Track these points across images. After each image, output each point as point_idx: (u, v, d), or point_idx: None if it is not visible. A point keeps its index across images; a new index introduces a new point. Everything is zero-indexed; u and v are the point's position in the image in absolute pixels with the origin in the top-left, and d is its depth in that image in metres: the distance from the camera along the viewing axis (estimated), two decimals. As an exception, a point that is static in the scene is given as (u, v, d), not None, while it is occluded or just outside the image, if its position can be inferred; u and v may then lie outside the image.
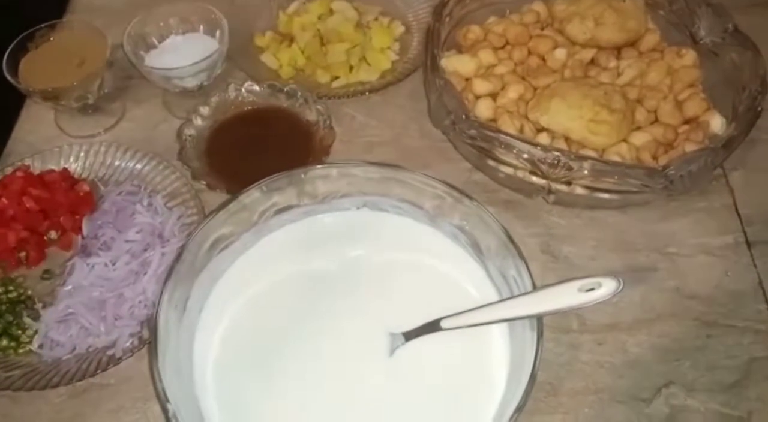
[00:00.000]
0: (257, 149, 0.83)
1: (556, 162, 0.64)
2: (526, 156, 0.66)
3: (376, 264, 0.70)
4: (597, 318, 0.74)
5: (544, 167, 0.65)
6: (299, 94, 0.85)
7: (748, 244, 0.79)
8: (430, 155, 0.88)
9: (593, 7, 0.81)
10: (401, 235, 0.72)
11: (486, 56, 0.80)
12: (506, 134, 0.67)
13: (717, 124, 0.76)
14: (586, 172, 0.65)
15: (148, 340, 0.68)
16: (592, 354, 0.72)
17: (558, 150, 0.66)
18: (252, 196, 0.68)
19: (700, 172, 0.66)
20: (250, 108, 0.86)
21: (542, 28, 0.84)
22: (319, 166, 0.71)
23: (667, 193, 0.68)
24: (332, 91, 0.92)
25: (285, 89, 0.86)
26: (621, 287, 0.57)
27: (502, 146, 0.67)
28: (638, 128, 0.76)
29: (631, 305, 0.75)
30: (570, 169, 0.65)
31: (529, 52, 0.81)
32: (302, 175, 0.70)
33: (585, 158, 0.65)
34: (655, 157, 0.72)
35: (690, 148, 0.72)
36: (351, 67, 0.95)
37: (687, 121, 0.77)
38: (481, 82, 0.77)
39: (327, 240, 0.72)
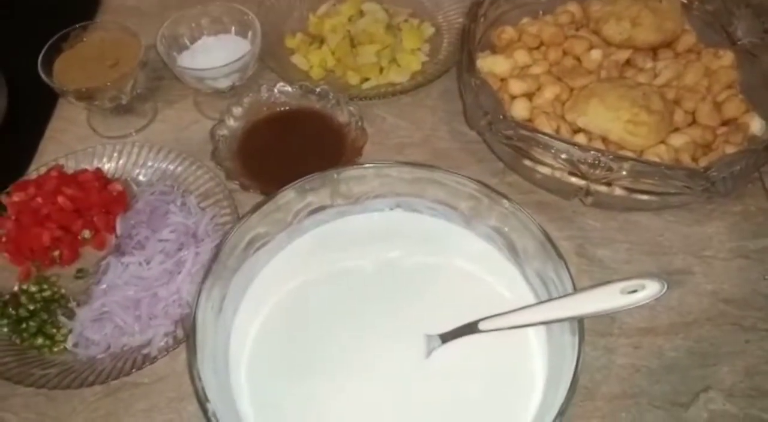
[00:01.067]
0: (290, 150, 0.83)
1: (596, 162, 0.63)
2: (564, 156, 0.66)
3: (410, 266, 0.70)
4: (633, 321, 0.73)
5: (583, 167, 0.64)
6: (331, 95, 0.85)
7: (786, 248, 0.77)
8: (461, 156, 0.87)
9: (629, 8, 0.80)
10: (435, 237, 0.71)
11: (521, 56, 0.79)
12: (545, 134, 0.66)
13: (756, 125, 0.74)
14: (625, 172, 0.64)
15: (183, 339, 0.68)
16: (628, 358, 0.71)
17: (598, 150, 0.65)
18: (286, 196, 0.68)
19: (742, 174, 0.65)
20: (282, 109, 0.86)
21: (577, 29, 0.84)
22: (352, 167, 0.71)
23: (708, 196, 0.67)
24: (363, 93, 0.92)
25: (317, 90, 0.86)
26: (665, 289, 0.56)
27: (541, 146, 0.67)
28: (676, 129, 0.75)
29: (667, 309, 0.74)
30: (610, 169, 0.64)
31: (564, 53, 0.81)
32: (335, 176, 0.70)
33: (625, 158, 0.64)
34: (694, 159, 0.71)
35: (729, 150, 0.71)
36: (381, 69, 0.95)
37: (725, 123, 0.76)
38: (516, 83, 0.76)
39: (361, 241, 0.71)
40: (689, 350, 0.71)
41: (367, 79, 0.94)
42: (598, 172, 0.64)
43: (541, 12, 0.87)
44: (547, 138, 0.65)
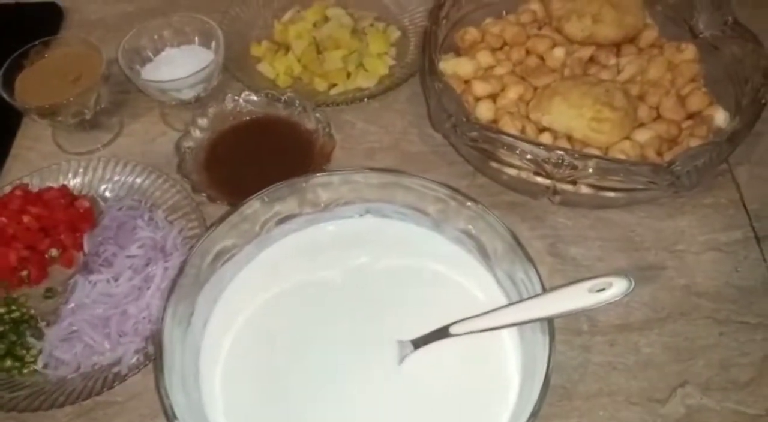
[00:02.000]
0: (257, 159, 0.82)
1: (560, 161, 0.63)
2: (529, 156, 0.66)
3: (381, 272, 0.69)
4: (608, 319, 0.73)
5: (548, 167, 0.64)
6: (297, 102, 0.85)
7: (757, 239, 0.78)
8: (431, 159, 0.87)
9: (590, 4, 0.81)
10: (405, 241, 0.71)
11: (484, 58, 0.79)
12: (508, 135, 0.66)
13: (721, 118, 0.75)
14: (590, 170, 0.64)
15: (154, 356, 0.67)
16: (604, 356, 0.71)
17: (562, 149, 0.65)
18: (253, 206, 0.67)
19: (706, 166, 0.65)
20: (248, 118, 0.86)
21: (539, 28, 0.84)
22: (319, 174, 0.70)
23: (674, 190, 0.67)
24: (330, 99, 0.91)
25: (283, 98, 0.85)
26: (632, 286, 0.56)
27: (505, 147, 0.67)
28: (641, 125, 0.75)
29: (641, 305, 0.74)
30: (574, 167, 0.64)
31: (528, 52, 0.81)
32: (303, 184, 0.69)
33: (589, 157, 0.64)
34: (659, 154, 0.72)
35: (695, 143, 0.71)
36: (348, 74, 0.94)
37: (690, 116, 0.76)
38: (480, 84, 0.76)
39: (331, 249, 0.71)
40: (665, 345, 0.71)
41: (334, 85, 0.94)
42: (562, 171, 0.64)
43: (504, 12, 0.87)
44: (510, 139, 0.65)
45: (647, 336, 0.72)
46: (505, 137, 0.66)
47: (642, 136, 0.73)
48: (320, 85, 0.94)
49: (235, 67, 0.94)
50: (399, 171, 0.69)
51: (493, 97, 0.77)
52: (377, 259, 0.70)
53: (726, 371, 0.69)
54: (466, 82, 0.78)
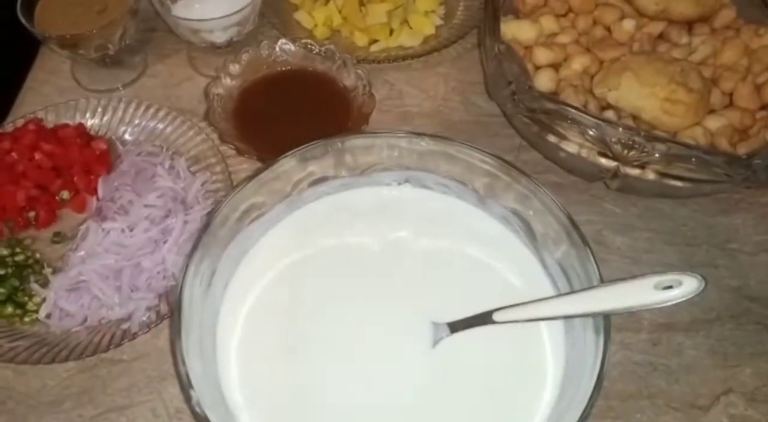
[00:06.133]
0: (290, 114, 0.76)
1: (629, 142, 0.58)
2: (593, 133, 0.59)
3: (418, 247, 0.64)
4: (652, 316, 0.68)
5: (616, 147, 0.59)
6: (337, 56, 0.79)
7: (818, 244, 0.72)
8: (473, 129, 0.81)
9: (667, -24, 0.74)
10: (447, 217, 0.65)
11: (548, 23, 0.73)
12: (575, 108, 0.60)
13: (800, 111, 0.69)
14: (658, 155, 0.58)
15: (166, 315, 0.62)
16: (645, 355, 0.66)
17: (631, 128, 0.59)
18: (286, 165, 0.62)
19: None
20: (283, 69, 0.80)
21: (609, -4, 0.77)
22: (359, 135, 0.64)
23: (746, 185, 0.61)
24: (371, 55, 0.85)
25: (322, 50, 0.79)
26: (704, 286, 0.51)
27: (568, 121, 0.61)
28: (712, 111, 0.69)
29: (688, 304, 0.66)
30: (644, 150, 0.58)
31: (594, 22, 0.74)
32: (340, 144, 0.64)
33: (663, 140, 0.58)
34: (731, 144, 0.65)
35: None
36: (391, 31, 0.88)
37: (765, 107, 0.70)
38: (543, 51, 0.70)
39: (366, 217, 0.65)
40: (710, 349, 0.66)
41: (375, 41, 0.88)
42: (631, 153, 0.58)
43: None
44: (578, 113, 0.59)
45: (693, 337, 0.67)
46: (570, 110, 0.60)
47: (714, 123, 0.67)
48: (360, 40, 0.87)
49: (272, 12, 0.88)
50: (446, 138, 0.63)
51: (555, 66, 0.70)
52: (416, 236, 0.64)
53: (775, 382, 0.64)
54: (527, 48, 0.72)
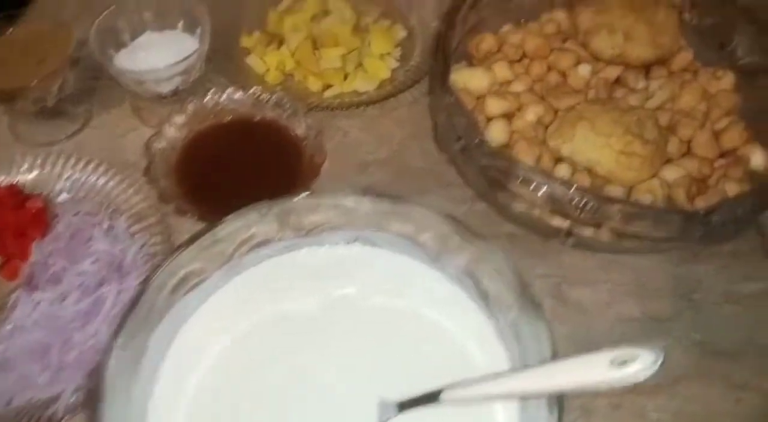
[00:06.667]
0: (237, 166, 0.73)
1: (582, 204, 0.55)
2: (546, 192, 0.57)
3: (365, 309, 0.60)
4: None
5: (569, 207, 0.56)
6: (288, 104, 0.76)
7: (783, 293, 0.70)
8: (428, 178, 0.78)
9: (623, 19, 0.72)
10: (397, 277, 0.62)
11: (501, 71, 0.70)
12: (527, 167, 0.57)
13: (759, 159, 0.67)
14: (614, 215, 0.56)
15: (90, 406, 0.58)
16: (607, 421, 0.63)
17: (586, 190, 0.56)
18: (227, 227, 0.58)
19: (747, 218, 0.57)
20: (231, 118, 0.77)
21: (564, 41, 0.75)
22: (305, 196, 0.61)
23: (704, 243, 0.59)
24: (323, 102, 0.82)
25: (271, 98, 0.76)
26: (660, 361, 0.48)
27: (520, 180, 0.58)
28: (669, 161, 0.66)
29: None
30: (598, 212, 0.55)
31: (549, 68, 0.72)
32: (286, 205, 0.60)
33: (616, 201, 0.56)
34: (689, 197, 0.63)
35: (730, 186, 0.63)
36: (346, 75, 0.85)
37: (723, 154, 0.68)
38: (495, 101, 0.67)
39: (311, 279, 0.62)
40: (676, 411, 0.63)
41: (329, 86, 0.85)
42: (583, 214, 0.56)
43: (523, 20, 0.78)
44: (527, 171, 0.57)
45: (656, 399, 0.64)
46: (522, 169, 0.57)
47: (672, 173, 0.64)
48: (314, 85, 0.85)
49: (222, 58, 0.85)
50: (397, 197, 0.60)
51: (509, 116, 0.68)
52: (363, 296, 0.61)
53: (740, 445, 0.62)
54: (479, 98, 0.69)
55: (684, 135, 0.68)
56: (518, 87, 0.69)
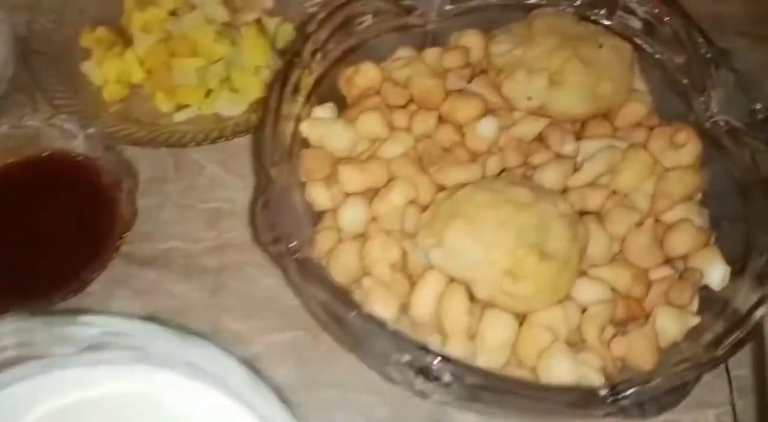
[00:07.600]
0: (19, 231, 0.55)
1: (437, 374, 0.36)
2: (383, 345, 0.38)
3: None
4: None
5: (410, 373, 0.38)
6: (100, 138, 0.57)
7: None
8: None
9: (550, 56, 0.52)
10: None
11: (369, 124, 0.50)
12: (360, 309, 0.38)
13: (717, 276, 0.47)
14: (468, 386, 0.38)
15: None
16: None
17: (442, 354, 0.37)
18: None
19: (678, 393, 0.39)
20: (17, 160, 0.57)
21: (470, 78, 0.54)
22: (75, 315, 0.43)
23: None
24: (163, 133, 0.63)
25: (84, 131, 0.57)
26: None
27: (361, 329, 0.39)
28: (591, 268, 0.47)
29: None
30: (449, 385, 0.37)
31: (441, 120, 0.52)
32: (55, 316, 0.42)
33: (483, 373, 0.37)
34: (603, 340, 0.44)
35: (666, 319, 0.45)
36: (208, 92, 0.66)
37: (668, 260, 0.49)
38: (351, 172, 0.48)
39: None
40: None
41: (185, 106, 0.66)
42: (441, 386, 0.38)
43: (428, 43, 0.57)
44: (357, 316, 0.38)
45: None
46: (352, 312, 0.38)
47: (588, 294, 0.45)
48: (164, 104, 0.65)
49: (53, 63, 0.65)
50: (187, 330, 0.42)
51: (371, 193, 0.48)
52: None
53: None
54: (332, 165, 0.49)
55: (616, 231, 0.48)
56: (392, 149, 0.49)
